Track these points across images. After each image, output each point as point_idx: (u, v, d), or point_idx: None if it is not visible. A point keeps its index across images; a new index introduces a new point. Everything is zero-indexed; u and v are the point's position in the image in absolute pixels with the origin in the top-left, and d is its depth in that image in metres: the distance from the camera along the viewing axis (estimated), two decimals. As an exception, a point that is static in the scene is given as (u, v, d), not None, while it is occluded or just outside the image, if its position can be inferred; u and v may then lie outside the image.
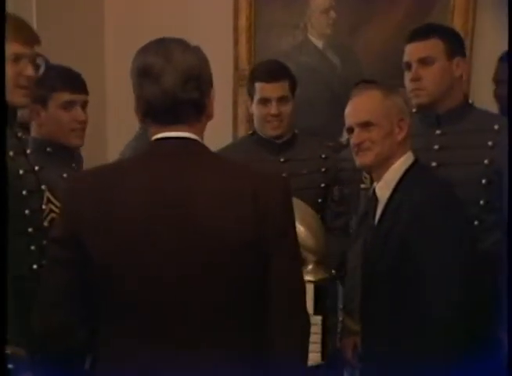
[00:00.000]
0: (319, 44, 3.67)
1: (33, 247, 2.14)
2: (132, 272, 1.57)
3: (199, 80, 1.60)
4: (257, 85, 2.77)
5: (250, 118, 3.75)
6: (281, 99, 2.76)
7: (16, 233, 2.10)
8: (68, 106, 2.46)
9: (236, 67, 3.76)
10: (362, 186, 2.68)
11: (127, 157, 2.25)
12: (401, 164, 2.20)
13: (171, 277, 1.56)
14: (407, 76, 2.48)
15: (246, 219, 1.56)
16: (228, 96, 3.77)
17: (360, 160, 2.23)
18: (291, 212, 1.64)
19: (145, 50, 1.63)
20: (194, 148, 1.64)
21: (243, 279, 1.59)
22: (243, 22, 3.72)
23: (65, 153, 2.50)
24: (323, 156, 2.84)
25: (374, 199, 2.25)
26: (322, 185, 2.84)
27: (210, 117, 1.67)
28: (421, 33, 2.47)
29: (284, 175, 2.71)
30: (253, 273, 1.60)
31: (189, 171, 1.59)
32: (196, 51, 1.64)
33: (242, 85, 3.74)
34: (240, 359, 1.60)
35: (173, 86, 1.58)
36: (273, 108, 2.75)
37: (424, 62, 2.43)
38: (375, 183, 2.26)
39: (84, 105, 2.50)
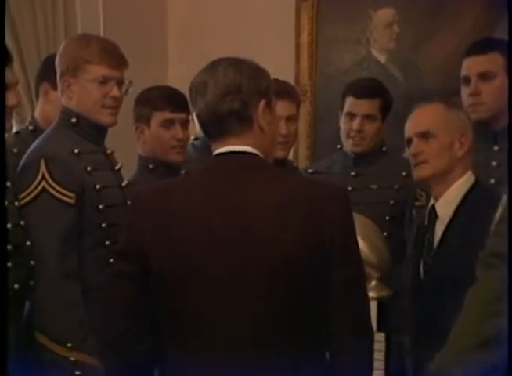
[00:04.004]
0: (382, 58, 3.64)
1: (112, 260, 2.14)
2: (192, 286, 1.58)
3: (240, 92, 1.61)
4: (347, 99, 2.78)
5: (310, 133, 3.78)
6: (367, 117, 2.75)
7: (94, 245, 2.15)
8: (168, 124, 2.51)
9: (298, 82, 3.75)
10: (417, 203, 2.63)
11: (189, 172, 2.28)
12: (463, 182, 2.14)
13: (231, 291, 1.56)
14: (465, 90, 2.45)
15: (304, 231, 1.56)
16: (290, 111, 3.76)
17: (417, 173, 2.18)
18: (350, 222, 1.63)
19: (199, 71, 1.68)
20: (252, 162, 1.65)
21: (302, 291, 1.58)
22: (304, 37, 3.73)
23: (167, 169, 2.53)
24: (404, 174, 2.70)
25: (434, 216, 2.17)
26: (392, 202, 2.76)
27: (263, 129, 1.66)
28: (481, 47, 2.45)
29: (350, 188, 2.70)
30: (311, 285, 1.59)
31: (246, 185, 1.61)
32: (242, 66, 1.65)
33: (303, 101, 3.73)
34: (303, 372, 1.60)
35: (213, 98, 1.62)
36: (356, 124, 2.74)
37: (484, 76, 2.40)
38: (433, 200, 2.19)
39: (184, 123, 2.54)
